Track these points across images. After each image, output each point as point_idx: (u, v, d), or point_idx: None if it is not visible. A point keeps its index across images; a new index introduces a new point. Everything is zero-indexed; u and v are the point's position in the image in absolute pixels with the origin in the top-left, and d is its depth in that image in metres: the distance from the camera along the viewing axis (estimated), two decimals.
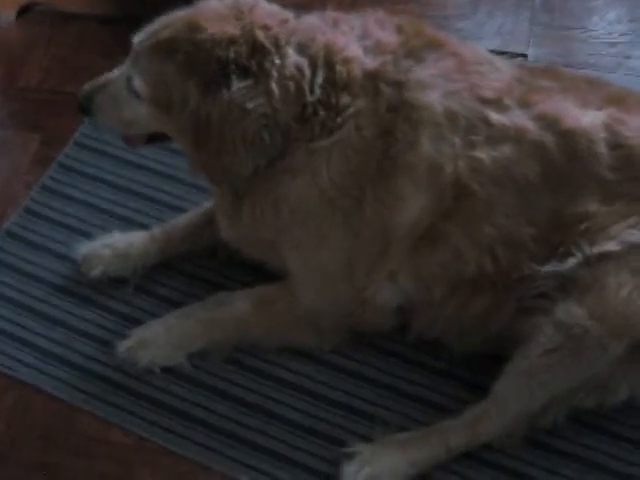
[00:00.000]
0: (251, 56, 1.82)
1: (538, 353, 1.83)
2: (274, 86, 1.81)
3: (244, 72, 1.82)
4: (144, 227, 2.35)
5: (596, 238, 1.82)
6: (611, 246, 1.80)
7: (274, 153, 1.88)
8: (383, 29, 1.97)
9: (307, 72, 1.84)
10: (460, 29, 2.86)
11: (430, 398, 2.06)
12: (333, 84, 1.86)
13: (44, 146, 2.63)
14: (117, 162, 2.53)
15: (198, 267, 2.30)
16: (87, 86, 2.05)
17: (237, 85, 1.80)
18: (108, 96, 2.01)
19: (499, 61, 2.01)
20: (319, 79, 1.85)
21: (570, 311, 1.80)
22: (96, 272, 2.25)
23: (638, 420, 2.01)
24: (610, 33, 2.82)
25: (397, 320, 2.08)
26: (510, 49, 2.74)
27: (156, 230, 2.30)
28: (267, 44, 1.84)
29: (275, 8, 1.96)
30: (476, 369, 2.08)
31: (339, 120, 1.85)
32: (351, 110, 1.85)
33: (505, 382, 1.90)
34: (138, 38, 1.95)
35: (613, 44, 2.79)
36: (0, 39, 2.98)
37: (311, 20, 1.98)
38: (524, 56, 2.75)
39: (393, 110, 1.86)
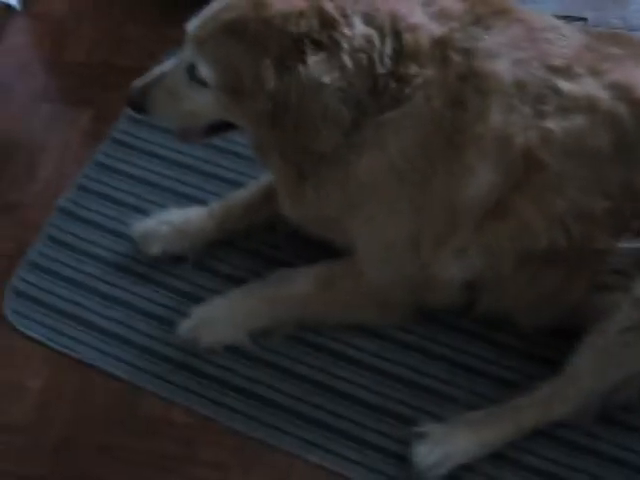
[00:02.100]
0: (321, 29, 1.75)
1: (615, 331, 1.79)
2: (347, 59, 1.74)
3: (317, 46, 1.75)
4: (201, 203, 2.30)
5: None
6: None
7: (349, 129, 1.82)
8: None
9: (377, 43, 1.77)
10: None
11: (499, 374, 2.02)
12: (401, 54, 1.79)
13: (95, 121, 2.58)
14: (171, 136, 2.40)
15: (259, 243, 2.26)
16: (138, 82, 1.97)
17: (312, 59, 1.73)
18: (165, 89, 1.93)
19: (565, 28, 1.94)
20: (388, 49, 1.78)
21: None
22: (154, 249, 2.21)
23: None
24: None
25: (465, 295, 2.03)
26: (569, 13, 2.64)
27: (214, 206, 2.26)
28: (336, 15, 1.77)
29: None
30: (546, 345, 2.03)
31: (408, 91, 1.79)
32: (420, 80, 1.79)
33: (580, 359, 1.85)
34: (194, 24, 1.86)
35: None
36: (45, 11, 2.91)
37: None
38: (584, 20, 2.66)
39: (462, 79, 1.79)
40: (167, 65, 1.94)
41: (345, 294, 2.06)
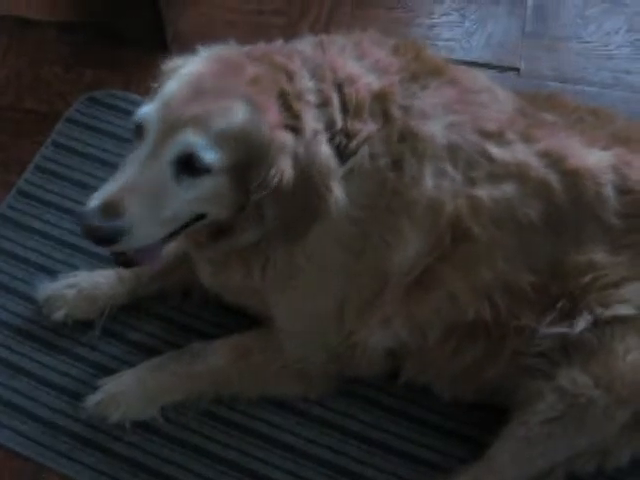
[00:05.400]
0: (289, 82, 1.68)
1: (538, 421, 1.74)
2: (318, 114, 1.68)
3: (298, 100, 1.67)
4: (112, 264, 2.09)
5: (607, 298, 1.72)
6: (624, 310, 1.71)
7: None
8: (379, 49, 1.83)
9: (333, 99, 1.70)
10: (448, 39, 2.70)
11: (421, 455, 1.96)
12: (345, 108, 1.71)
13: (1, 169, 2.43)
14: (82, 189, 2.32)
15: (170, 309, 2.16)
16: (93, 205, 1.58)
17: (306, 114, 1.65)
18: (146, 198, 1.59)
19: (498, 89, 1.89)
20: (337, 103, 1.71)
21: (574, 378, 1.71)
22: (60, 315, 2.09)
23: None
24: (607, 45, 2.67)
25: (387, 365, 1.97)
26: (501, 62, 2.60)
27: (125, 269, 2.11)
28: (298, 71, 1.70)
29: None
30: (467, 422, 1.98)
31: (352, 146, 1.70)
32: (364, 135, 1.70)
33: (502, 448, 1.80)
34: (157, 110, 1.62)
35: (610, 57, 2.64)
36: None
37: (299, 46, 1.82)
38: (516, 70, 2.60)
39: (402, 139, 1.72)
40: (128, 171, 1.61)
41: (261, 367, 1.97)
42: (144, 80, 1.78)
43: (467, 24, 2.73)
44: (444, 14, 2.76)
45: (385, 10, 2.71)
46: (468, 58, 2.59)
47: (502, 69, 2.57)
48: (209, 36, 1.85)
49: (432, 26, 2.74)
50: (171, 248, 2.09)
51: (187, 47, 1.80)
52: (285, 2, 2.74)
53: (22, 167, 2.42)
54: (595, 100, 2.42)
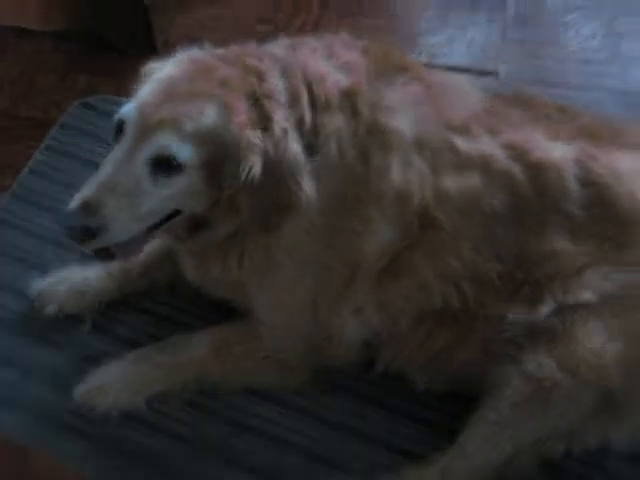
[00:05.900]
0: (260, 84, 1.76)
1: (506, 405, 1.79)
2: (288, 112, 1.75)
3: (268, 99, 1.74)
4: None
5: (569, 285, 1.78)
6: (586, 296, 1.76)
7: None
8: (349, 50, 1.90)
9: (303, 97, 1.77)
10: (431, 45, 2.77)
11: (394, 442, 2.00)
12: (314, 105, 1.79)
13: None
14: (75, 192, 2.37)
15: (158, 303, 2.22)
16: (74, 204, 1.70)
17: (276, 114, 1.72)
18: (124, 196, 1.69)
19: (466, 87, 1.96)
20: (306, 101, 1.78)
21: (539, 363, 1.76)
22: (51, 309, 2.16)
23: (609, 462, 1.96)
24: (584, 49, 2.74)
25: (364, 353, 2.02)
26: (482, 67, 2.66)
27: (114, 265, 2.19)
28: (263, 68, 1.78)
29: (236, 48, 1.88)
30: (443, 411, 2.03)
31: (320, 140, 1.78)
32: (331, 129, 1.78)
33: (472, 434, 1.85)
34: (133, 113, 1.72)
35: (587, 61, 2.71)
36: None
37: (272, 48, 1.90)
38: (495, 74, 2.66)
39: (369, 133, 1.80)
40: (105, 171, 1.71)
41: (242, 358, 2.02)
42: (136, 86, 1.89)
43: (448, 31, 2.80)
44: (426, 21, 2.85)
45: (369, 18, 2.80)
46: (450, 63, 2.66)
47: (483, 74, 2.63)
48: (197, 42, 1.92)
49: (415, 33, 2.81)
50: (157, 244, 2.19)
51: (176, 53, 1.88)
52: (272, 10, 2.83)
53: (16, 171, 2.48)
54: (572, 103, 2.47)
